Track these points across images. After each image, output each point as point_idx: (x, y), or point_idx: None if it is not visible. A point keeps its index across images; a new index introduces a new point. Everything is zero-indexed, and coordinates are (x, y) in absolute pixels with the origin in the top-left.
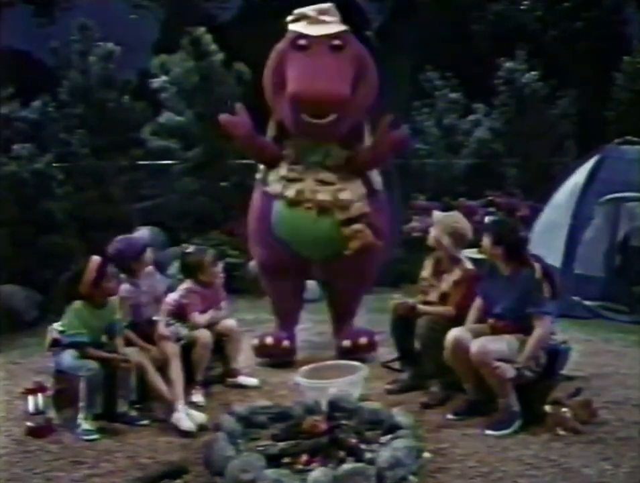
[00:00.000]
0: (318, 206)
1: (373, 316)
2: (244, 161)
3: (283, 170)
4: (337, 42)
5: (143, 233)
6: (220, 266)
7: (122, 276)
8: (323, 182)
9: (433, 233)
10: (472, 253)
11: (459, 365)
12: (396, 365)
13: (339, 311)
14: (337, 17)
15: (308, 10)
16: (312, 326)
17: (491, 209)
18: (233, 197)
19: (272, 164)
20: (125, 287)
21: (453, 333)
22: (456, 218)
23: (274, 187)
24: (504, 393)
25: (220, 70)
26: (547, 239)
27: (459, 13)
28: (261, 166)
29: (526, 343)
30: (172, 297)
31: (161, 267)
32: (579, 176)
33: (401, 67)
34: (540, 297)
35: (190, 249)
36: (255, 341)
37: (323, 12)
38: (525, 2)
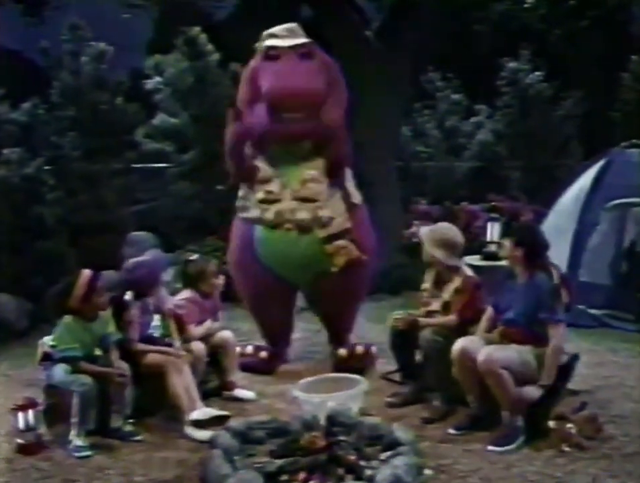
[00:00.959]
0: (299, 226)
1: (372, 325)
2: None
3: (260, 193)
4: (304, 50)
5: (158, 255)
6: (221, 278)
7: (131, 295)
8: (302, 200)
9: (425, 249)
10: (474, 260)
11: (465, 376)
12: (397, 377)
13: (333, 330)
14: (301, 32)
15: (276, 29)
16: (309, 336)
17: (494, 214)
18: (229, 201)
19: (247, 178)
20: (135, 311)
21: (460, 343)
22: (443, 228)
23: (253, 212)
24: (508, 405)
25: (216, 70)
26: (551, 245)
27: (461, 12)
28: (240, 193)
29: (541, 356)
30: (169, 305)
31: None
32: (584, 181)
33: (401, 68)
34: (555, 303)
35: (194, 257)
36: (237, 350)
37: (289, 30)
38: (529, 0)
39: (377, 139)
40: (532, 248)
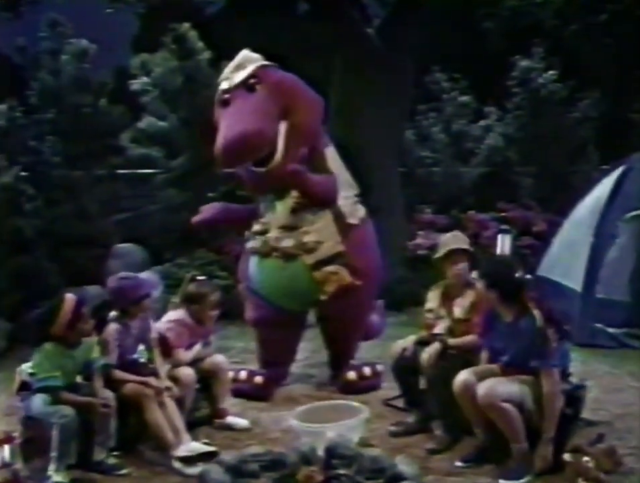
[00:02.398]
0: (284, 254)
1: (374, 343)
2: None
3: (256, 225)
4: (250, 82)
5: (150, 276)
6: (218, 312)
7: (113, 313)
8: (287, 228)
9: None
10: None
11: (469, 410)
12: (400, 403)
13: (336, 355)
14: (250, 60)
15: (228, 69)
16: (307, 356)
17: (504, 226)
18: None
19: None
20: (113, 328)
21: (461, 377)
22: (462, 237)
23: (250, 244)
24: (516, 438)
25: (207, 70)
26: (566, 258)
27: (469, 8)
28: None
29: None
30: (156, 328)
31: None
32: (602, 189)
33: (405, 67)
34: (544, 348)
35: (201, 278)
36: (230, 375)
37: (237, 65)
38: None
39: (378, 143)
40: (507, 289)
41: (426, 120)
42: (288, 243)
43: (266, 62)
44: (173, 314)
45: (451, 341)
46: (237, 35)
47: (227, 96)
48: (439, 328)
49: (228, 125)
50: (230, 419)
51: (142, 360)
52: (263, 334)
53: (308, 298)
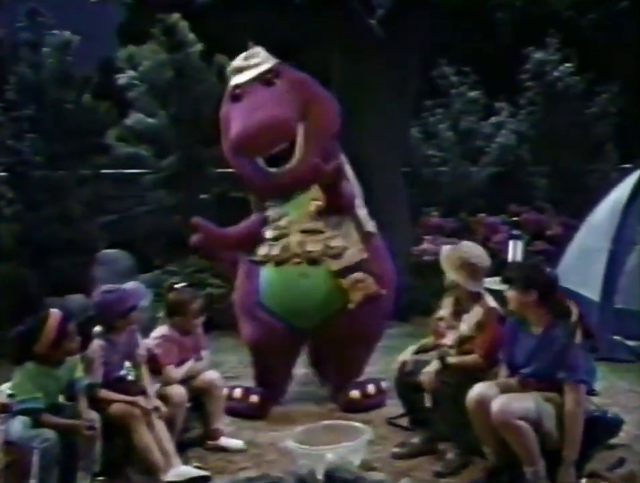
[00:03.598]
0: (308, 259)
1: (377, 356)
2: (227, 170)
3: (269, 231)
4: (267, 77)
5: (136, 286)
6: (202, 319)
7: (97, 329)
8: (311, 232)
9: (446, 272)
10: (493, 283)
11: (482, 426)
12: (404, 422)
13: (341, 378)
14: (265, 57)
15: (238, 62)
16: (304, 372)
17: (516, 231)
18: (215, 213)
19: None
20: (98, 344)
21: (477, 390)
22: (463, 248)
23: (259, 252)
24: (530, 460)
25: (199, 64)
26: (582, 265)
27: None
28: None
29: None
30: (144, 345)
31: None
32: (621, 191)
33: (410, 61)
34: (574, 359)
35: (180, 286)
36: (224, 392)
37: (248, 57)
38: None
39: (382, 142)
40: (547, 288)
41: (433, 117)
42: (314, 246)
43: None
44: (160, 330)
45: (451, 359)
46: (230, 26)
47: (239, 90)
48: (450, 338)
49: (247, 114)
50: (224, 440)
51: (130, 378)
52: (263, 355)
53: (327, 310)
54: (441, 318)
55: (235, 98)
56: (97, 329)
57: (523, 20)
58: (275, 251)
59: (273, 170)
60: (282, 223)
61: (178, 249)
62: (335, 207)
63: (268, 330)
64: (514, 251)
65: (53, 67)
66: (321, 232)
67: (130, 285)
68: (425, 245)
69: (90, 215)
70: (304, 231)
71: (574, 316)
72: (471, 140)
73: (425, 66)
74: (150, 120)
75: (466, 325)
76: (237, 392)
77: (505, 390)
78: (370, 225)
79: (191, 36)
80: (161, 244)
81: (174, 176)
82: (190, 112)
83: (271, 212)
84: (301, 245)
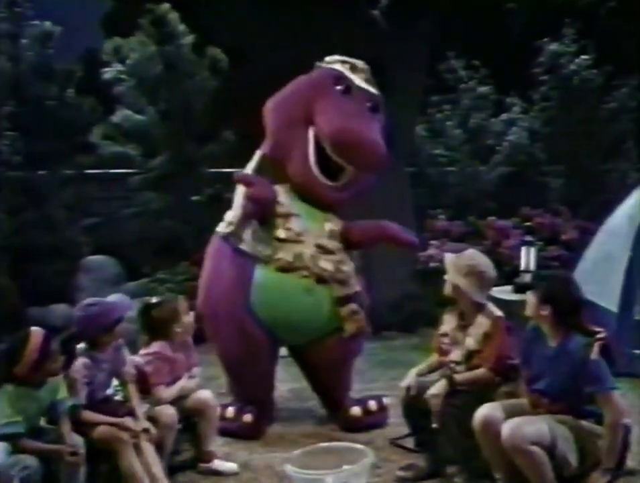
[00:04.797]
0: (318, 277)
1: (382, 371)
2: (221, 170)
3: (281, 231)
4: (373, 103)
5: (120, 298)
6: (191, 317)
7: (81, 346)
8: (323, 249)
9: (448, 279)
10: (504, 292)
11: (491, 451)
12: (409, 442)
13: (329, 392)
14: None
15: (356, 61)
16: (300, 388)
17: (529, 237)
18: (207, 216)
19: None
20: (81, 363)
21: (483, 411)
22: (470, 255)
23: (260, 247)
24: None
25: (189, 56)
26: (599, 273)
27: None
28: (230, 217)
29: (580, 429)
30: (132, 363)
31: None
32: None
33: (416, 54)
34: (597, 372)
35: (154, 300)
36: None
37: (368, 72)
38: None
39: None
40: (564, 307)
41: (440, 113)
42: (327, 265)
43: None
44: (150, 347)
45: (459, 377)
46: (223, 16)
47: (345, 86)
48: (455, 354)
49: (368, 124)
50: (217, 463)
51: (117, 397)
52: (240, 366)
53: (321, 331)
54: (444, 334)
55: (343, 87)
56: (81, 346)
57: (537, 9)
58: (283, 255)
59: (328, 181)
60: (295, 226)
61: (168, 255)
62: (353, 246)
63: (253, 341)
64: (527, 258)
65: (33, 60)
66: (333, 253)
67: (114, 297)
68: (431, 251)
69: (74, 219)
70: (318, 247)
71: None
72: (480, 138)
73: (432, 59)
74: (138, 117)
75: (472, 338)
76: (230, 411)
77: (516, 411)
78: (360, 256)
79: (182, 27)
80: (150, 250)
81: (163, 176)
82: (180, 108)
83: (282, 206)
84: (314, 259)
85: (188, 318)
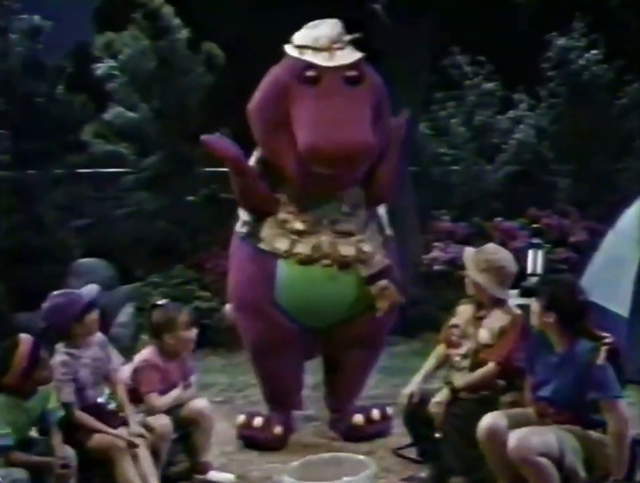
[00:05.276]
0: (340, 263)
1: (383, 377)
2: (217, 169)
3: (297, 223)
4: (352, 73)
5: (90, 288)
6: (195, 331)
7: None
8: (341, 233)
9: (468, 275)
10: (509, 296)
11: (496, 461)
12: (412, 453)
13: (344, 390)
14: (347, 42)
15: (317, 37)
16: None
17: (536, 239)
18: (204, 218)
19: (262, 209)
20: (59, 361)
21: (488, 420)
22: (490, 249)
23: (278, 244)
24: None
25: (184, 52)
26: (609, 277)
27: None
28: (244, 216)
29: (588, 439)
30: (126, 370)
31: (108, 313)
32: None
33: (419, 48)
34: (603, 378)
35: (162, 302)
36: (241, 419)
37: (334, 39)
38: None
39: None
40: (569, 312)
41: (444, 110)
42: (347, 250)
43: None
44: (143, 353)
45: (460, 381)
46: (220, 10)
47: (314, 73)
48: (464, 348)
49: (330, 119)
50: (213, 474)
51: (111, 406)
52: (271, 360)
53: (350, 316)
54: (455, 326)
55: (307, 80)
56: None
57: (545, 2)
58: (302, 248)
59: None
60: (310, 218)
61: (162, 258)
62: (372, 201)
63: (281, 331)
64: (534, 261)
65: (22, 56)
66: (352, 234)
67: (86, 288)
68: (435, 253)
69: (65, 220)
70: (336, 232)
71: (602, 341)
72: (486, 136)
73: (435, 54)
74: (131, 114)
75: (487, 331)
76: (258, 421)
77: (521, 421)
78: (389, 229)
79: (177, 21)
80: (143, 252)
81: (157, 176)
82: (175, 105)
83: (289, 199)
84: (333, 246)
85: (187, 333)
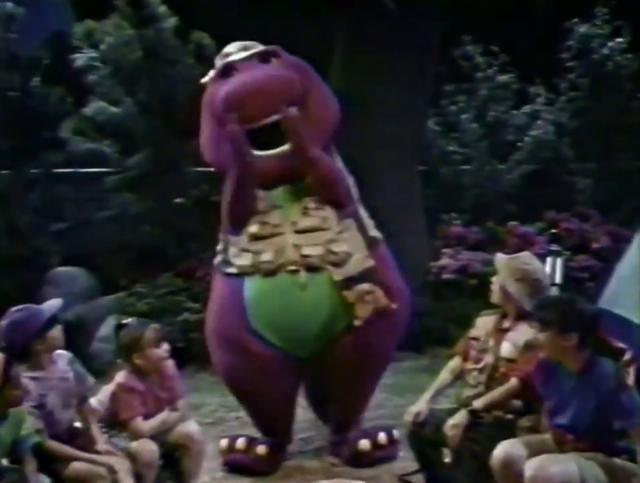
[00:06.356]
0: (306, 266)
1: (388, 396)
2: (208, 169)
3: (253, 227)
4: (263, 54)
5: (52, 302)
6: (165, 347)
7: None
8: (309, 231)
9: (497, 282)
10: None
11: None
12: (418, 479)
13: (342, 416)
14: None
15: (229, 48)
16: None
17: (555, 246)
18: (193, 222)
19: (249, 212)
20: (27, 389)
21: (503, 449)
22: (526, 258)
23: (241, 260)
24: None
25: (172, 42)
26: (634, 286)
27: None
28: (219, 246)
29: (611, 467)
30: (104, 393)
31: (89, 327)
32: None
33: (426, 38)
34: (633, 403)
35: (127, 320)
36: (224, 444)
37: (243, 45)
38: None
39: (393, 136)
40: (588, 330)
41: (454, 105)
42: (313, 250)
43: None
44: (115, 378)
45: (479, 403)
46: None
47: (229, 64)
48: (484, 362)
49: (242, 79)
50: None
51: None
52: (255, 396)
53: (329, 330)
54: (474, 339)
55: (226, 73)
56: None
57: None
58: (265, 257)
59: (261, 152)
60: (272, 218)
61: (148, 265)
62: (333, 200)
63: (261, 362)
64: (553, 269)
65: None
66: (321, 230)
67: (50, 302)
68: (445, 261)
69: (41, 225)
70: (300, 231)
71: (624, 356)
72: (500, 133)
73: (445, 44)
74: (114, 109)
75: (510, 344)
76: (240, 443)
77: (539, 448)
78: (374, 230)
79: (163, 9)
80: (127, 260)
81: (142, 176)
82: (162, 99)
83: (260, 202)
84: (297, 248)
85: (156, 351)
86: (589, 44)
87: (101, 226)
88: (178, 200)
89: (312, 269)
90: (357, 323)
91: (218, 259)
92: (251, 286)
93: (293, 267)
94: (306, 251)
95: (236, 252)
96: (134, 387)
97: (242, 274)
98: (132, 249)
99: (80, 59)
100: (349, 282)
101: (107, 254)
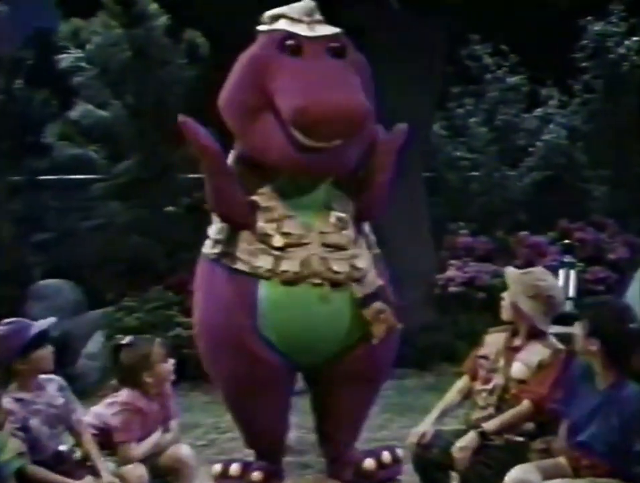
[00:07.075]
0: (332, 282)
1: (391, 416)
2: (200, 175)
3: (277, 237)
4: (335, 45)
5: (46, 320)
6: (171, 363)
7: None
8: (332, 246)
9: (508, 298)
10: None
11: None
12: None
13: (342, 434)
14: (323, 19)
15: (291, 10)
16: (297, 433)
17: (568, 257)
18: (185, 231)
19: (239, 217)
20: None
21: (515, 475)
22: (539, 274)
23: (258, 261)
24: None
25: (163, 41)
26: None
27: None
28: (215, 230)
29: None
30: (95, 414)
31: (74, 343)
32: None
33: (433, 37)
34: None
35: (126, 340)
36: (217, 468)
37: (309, 11)
38: None
39: None
40: (613, 343)
41: (461, 108)
42: (340, 266)
43: None
44: (118, 397)
45: (490, 425)
46: None
47: (294, 43)
48: (494, 383)
49: (321, 85)
50: None
51: (76, 455)
52: (248, 400)
53: (342, 344)
54: (483, 357)
55: (290, 50)
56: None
57: None
58: (288, 266)
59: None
60: (292, 228)
61: (137, 278)
62: (364, 211)
63: (264, 368)
64: (566, 281)
65: None
66: (345, 248)
67: (44, 321)
68: (451, 272)
69: (23, 235)
70: (326, 245)
71: None
72: (510, 138)
73: (452, 44)
74: (101, 112)
75: (522, 364)
76: (235, 469)
77: (553, 472)
78: (375, 246)
79: (153, 7)
80: (115, 272)
81: (131, 183)
82: (152, 102)
83: (277, 210)
84: (325, 262)
85: (165, 366)
86: (604, 43)
87: (87, 236)
88: (168, 208)
89: (336, 284)
90: (374, 341)
91: (217, 249)
92: (267, 290)
93: (317, 281)
94: (334, 266)
95: (250, 250)
96: (139, 407)
97: (256, 275)
98: (120, 260)
99: (66, 59)
100: (367, 299)
101: (93, 266)
